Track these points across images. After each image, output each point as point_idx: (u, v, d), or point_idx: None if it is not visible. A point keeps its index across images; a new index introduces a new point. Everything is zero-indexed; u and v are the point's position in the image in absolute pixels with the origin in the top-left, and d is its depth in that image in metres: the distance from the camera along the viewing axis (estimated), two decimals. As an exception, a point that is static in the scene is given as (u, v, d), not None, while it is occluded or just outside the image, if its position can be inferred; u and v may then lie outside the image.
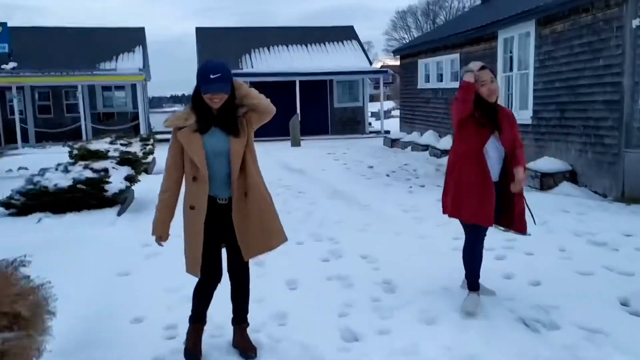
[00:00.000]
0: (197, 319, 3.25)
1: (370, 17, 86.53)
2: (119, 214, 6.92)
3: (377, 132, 22.28)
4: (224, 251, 3.26)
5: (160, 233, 3.13)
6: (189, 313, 3.78)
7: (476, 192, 3.62)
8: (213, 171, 3.03)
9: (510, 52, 10.99)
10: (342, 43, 24.40)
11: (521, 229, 3.88)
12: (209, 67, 2.95)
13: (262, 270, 4.75)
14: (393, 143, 16.74)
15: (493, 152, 3.67)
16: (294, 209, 7.44)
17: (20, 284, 2.29)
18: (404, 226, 6.35)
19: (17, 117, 18.64)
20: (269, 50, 23.24)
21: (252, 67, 22.25)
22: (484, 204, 3.62)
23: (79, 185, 6.67)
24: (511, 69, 11.00)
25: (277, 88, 22.43)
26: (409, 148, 15.38)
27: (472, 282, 3.86)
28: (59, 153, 14.32)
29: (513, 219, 3.84)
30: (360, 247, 5.47)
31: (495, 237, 5.31)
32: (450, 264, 4.65)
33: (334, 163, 13.11)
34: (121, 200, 7.38)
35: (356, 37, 24.97)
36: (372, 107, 32.24)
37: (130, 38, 21.97)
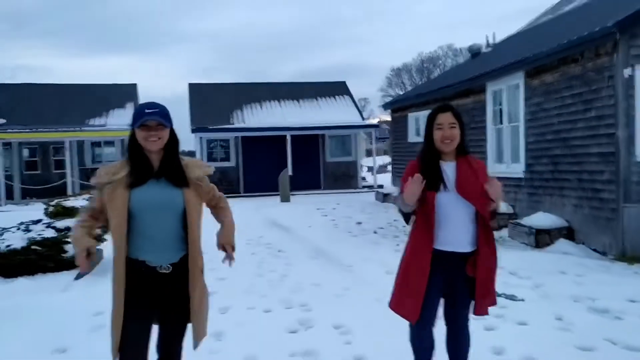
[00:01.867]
0: None
1: (366, 74, 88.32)
2: (77, 278, 6.35)
3: (370, 187, 21.90)
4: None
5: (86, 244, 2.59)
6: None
7: (407, 271, 3.01)
8: (150, 230, 2.58)
9: (500, 105, 10.73)
10: (335, 98, 24.43)
11: (479, 311, 3.07)
12: (144, 104, 2.64)
13: (219, 344, 4.18)
14: (385, 198, 16.30)
15: (449, 215, 2.91)
16: (268, 271, 6.89)
17: None
18: (386, 291, 5.72)
19: (1, 173, 18.27)
20: (260, 105, 23.22)
21: (244, 122, 22.16)
22: (410, 293, 2.96)
23: (33, 247, 6.14)
24: (501, 122, 10.70)
25: (269, 143, 22.29)
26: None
27: None
28: (39, 210, 13.85)
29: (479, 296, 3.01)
30: (335, 315, 4.88)
31: (484, 304, 4.76)
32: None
33: (321, 219, 12.61)
34: (84, 262, 6.83)
35: (348, 92, 25.04)
36: (369, 161, 32.06)
37: (122, 94, 21.98)
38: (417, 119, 15.70)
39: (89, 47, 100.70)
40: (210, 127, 21.22)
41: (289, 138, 21.18)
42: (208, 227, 3.01)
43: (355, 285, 6.03)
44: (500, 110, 10.72)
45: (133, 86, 23.16)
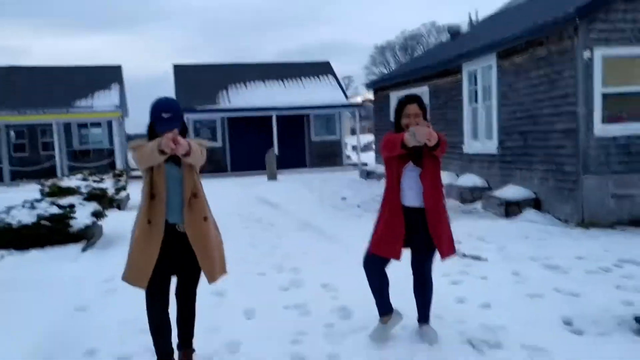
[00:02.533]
0: (164, 355, 3.27)
1: (350, 52, 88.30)
2: (84, 249, 6.90)
3: (355, 165, 22.53)
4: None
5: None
6: (143, 344, 3.82)
7: (384, 224, 3.69)
8: (169, 196, 3.17)
9: (475, 85, 11.35)
10: (319, 78, 24.87)
11: (443, 252, 3.69)
12: (160, 106, 3.13)
13: (220, 299, 4.79)
14: (368, 175, 16.94)
15: (411, 180, 3.64)
16: (260, 243, 7.50)
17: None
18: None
19: (-10, 156, 18.56)
20: (246, 85, 23.58)
21: (229, 102, 22.53)
22: (392, 237, 3.63)
23: (42, 222, 6.66)
24: (477, 101, 11.33)
25: (255, 123, 22.74)
26: (384, 180, 15.56)
27: (377, 307, 3.86)
28: (32, 191, 14.24)
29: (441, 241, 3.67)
30: (322, 277, 5.52)
31: (453, 263, 5.43)
32: (406, 292, 4.71)
33: (308, 195, 13.22)
34: (88, 236, 7.37)
35: (332, 72, 25.48)
36: (353, 140, 32.62)
37: (107, 76, 22.16)
38: (398, 98, 16.26)
39: (69, 27, 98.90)
40: (197, 108, 21.57)
41: (274, 118, 21.64)
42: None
43: (340, 253, 6.67)
44: (476, 90, 11.35)
45: (118, 68, 23.34)
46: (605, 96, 7.94)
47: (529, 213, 8.86)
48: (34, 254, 6.44)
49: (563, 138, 8.43)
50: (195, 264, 3.27)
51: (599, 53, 7.86)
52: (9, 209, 7.43)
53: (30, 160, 21.16)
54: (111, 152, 21.66)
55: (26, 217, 6.79)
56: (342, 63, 74.13)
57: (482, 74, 10.97)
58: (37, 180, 18.39)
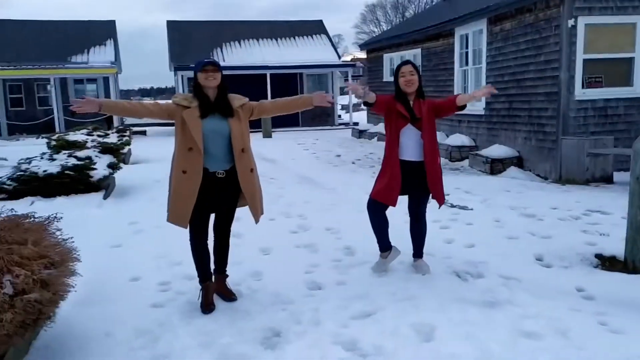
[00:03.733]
0: (203, 277, 3.92)
1: (340, 10, 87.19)
2: (105, 197, 7.51)
3: (346, 124, 23.06)
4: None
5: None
6: (178, 273, 4.49)
7: (384, 175, 4.28)
8: (211, 148, 3.70)
9: (466, 48, 11.87)
10: (312, 37, 25.07)
11: (439, 199, 4.34)
12: (202, 59, 3.80)
13: (239, 240, 5.44)
14: (361, 134, 17.54)
15: (409, 138, 4.21)
16: (265, 193, 8.03)
17: (54, 235, 2.95)
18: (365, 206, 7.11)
19: (-12, 110, 18.81)
20: (240, 44, 23.75)
21: (224, 60, 22.74)
22: (390, 186, 4.22)
23: (67, 171, 7.22)
24: (467, 64, 11.88)
25: (249, 81, 22.99)
26: (375, 139, 16.19)
27: (379, 244, 4.52)
28: (33, 145, 14.66)
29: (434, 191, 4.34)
30: (326, 222, 6.21)
31: (442, 212, 6.13)
32: (401, 233, 5.39)
33: (303, 152, 13.83)
34: (104, 186, 7.95)
35: (325, 32, 25.67)
36: (343, 99, 33.00)
37: (102, 31, 22.21)
38: (391, 60, 16.73)
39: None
40: (192, 66, 21.75)
41: (268, 77, 21.96)
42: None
43: (339, 202, 7.35)
44: (466, 53, 11.88)
45: (112, 22, 23.33)
46: (585, 62, 8.55)
47: (512, 170, 9.59)
48: (61, 201, 7.02)
49: (545, 101, 9.08)
50: (231, 204, 3.90)
51: (582, 21, 8.43)
52: (30, 160, 7.97)
53: (27, 115, 21.38)
54: (107, 108, 21.91)
55: (51, 167, 7.34)
56: (333, 21, 73.34)
57: (473, 38, 11.48)
58: (35, 134, 18.80)
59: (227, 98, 3.83)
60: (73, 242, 3.32)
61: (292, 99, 4.09)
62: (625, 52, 8.67)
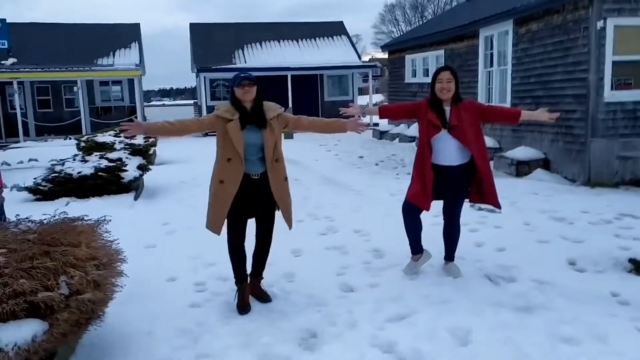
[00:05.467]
0: (239, 279, 4.01)
1: (359, 9, 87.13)
2: (135, 198, 7.66)
3: (367, 125, 23.03)
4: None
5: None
6: (213, 274, 4.58)
7: (418, 179, 4.28)
8: (247, 155, 3.82)
9: (491, 49, 11.80)
10: (332, 38, 25.11)
11: (494, 202, 4.35)
12: (239, 72, 3.92)
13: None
14: (382, 135, 17.54)
15: (444, 145, 4.19)
16: (292, 194, 8.17)
17: (103, 237, 3.05)
18: (392, 208, 7.07)
19: (18, 111, 19.21)
20: (261, 45, 23.90)
21: (246, 62, 22.91)
22: (424, 190, 4.23)
23: (100, 173, 7.38)
24: (492, 65, 11.81)
25: (270, 82, 23.10)
26: (397, 140, 16.18)
27: (411, 247, 4.54)
28: (61, 146, 14.99)
29: (484, 195, 4.36)
30: (354, 224, 6.26)
31: (470, 214, 6.14)
32: (430, 236, 5.38)
33: (326, 154, 13.89)
34: (134, 187, 8.11)
35: (346, 33, 25.69)
36: (362, 100, 33.01)
37: (127, 34, 22.55)
38: (413, 61, 16.70)
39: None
40: (214, 67, 22.00)
41: (289, 78, 22.07)
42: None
43: (366, 204, 7.39)
44: (491, 54, 11.81)
45: (136, 25, 23.67)
46: (615, 64, 8.46)
47: (539, 172, 9.52)
48: (94, 202, 7.19)
49: (573, 103, 8.99)
50: (267, 209, 3.98)
51: (612, 23, 8.34)
52: (63, 161, 8.16)
53: (54, 116, 21.81)
54: (132, 109, 22.25)
55: (84, 168, 7.52)
56: (351, 21, 73.33)
57: (499, 39, 11.41)
58: (62, 135, 19.20)
59: (262, 110, 3.91)
60: (119, 243, 3.42)
61: (328, 122, 4.20)
62: (655, 54, 8.55)
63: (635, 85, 8.59)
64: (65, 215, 3.07)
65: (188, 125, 3.95)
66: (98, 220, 3.15)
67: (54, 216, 3.03)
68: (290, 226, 4.12)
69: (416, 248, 4.59)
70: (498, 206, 4.40)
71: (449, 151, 4.24)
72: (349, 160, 12.42)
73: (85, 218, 3.18)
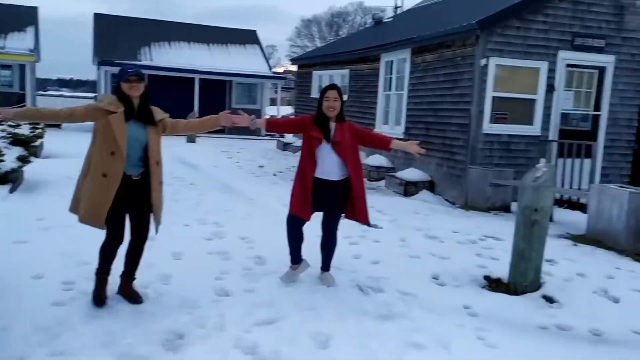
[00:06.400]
0: (102, 271, 3.94)
1: (276, 21, 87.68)
2: (11, 191, 7.20)
3: (272, 135, 23.20)
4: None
5: None
6: (83, 272, 4.45)
7: (299, 191, 4.49)
8: (129, 153, 3.77)
9: (391, 74, 12.45)
10: (244, 46, 25.13)
11: (362, 219, 4.62)
12: (126, 66, 3.92)
13: (152, 243, 5.32)
14: (285, 147, 17.77)
15: (326, 159, 4.42)
16: (184, 199, 8.12)
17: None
18: (282, 218, 7.16)
19: None
20: (169, 44, 23.37)
21: (152, 59, 22.28)
22: (305, 201, 4.44)
23: (-29, 161, 6.87)
24: (390, 89, 12.46)
25: (176, 83, 22.65)
26: (300, 152, 16.45)
27: (291, 256, 4.72)
28: None
29: (355, 212, 4.60)
30: (241, 231, 6.33)
31: (353, 228, 6.42)
32: (312, 247, 5.64)
33: (227, 161, 13.84)
34: (12, 179, 7.62)
35: (258, 42, 25.82)
36: (272, 110, 33.14)
37: (22, 16, 21.09)
38: (320, 77, 17.14)
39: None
40: (117, 62, 21.13)
41: (197, 81, 21.74)
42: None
43: (257, 212, 7.49)
44: (391, 79, 12.46)
45: (34, 9, 22.20)
46: (494, 99, 9.29)
47: (424, 193, 10.15)
48: (-38, 192, 6.67)
49: (458, 131, 9.73)
50: (145, 212, 3.96)
51: (494, 62, 9.16)
52: None
53: None
54: (21, 97, 20.74)
55: (-48, 155, 6.95)
56: (268, 31, 73.59)
57: (397, 65, 12.08)
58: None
59: (149, 107, 3.91)
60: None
61: (202, 120, 4.33)
62: (529, 94, 9.49)
63: (510, 120, 9.47)
64: None
65: (57, 114, 3.85)
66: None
67: None
68: (157, 230, 4.11)
69: (296, 258, 4.76)
70: (367, 224, 4.70)
71: (329, 165, 4.47)
72: (249, 169, 12.48)
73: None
